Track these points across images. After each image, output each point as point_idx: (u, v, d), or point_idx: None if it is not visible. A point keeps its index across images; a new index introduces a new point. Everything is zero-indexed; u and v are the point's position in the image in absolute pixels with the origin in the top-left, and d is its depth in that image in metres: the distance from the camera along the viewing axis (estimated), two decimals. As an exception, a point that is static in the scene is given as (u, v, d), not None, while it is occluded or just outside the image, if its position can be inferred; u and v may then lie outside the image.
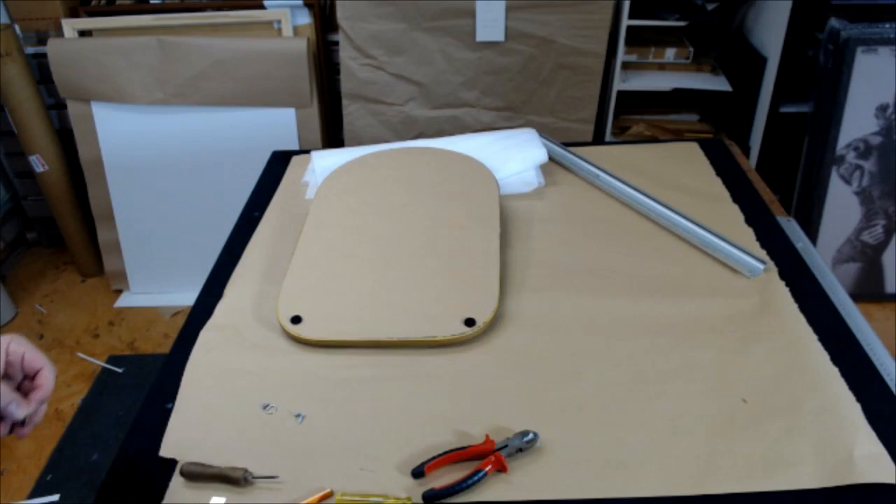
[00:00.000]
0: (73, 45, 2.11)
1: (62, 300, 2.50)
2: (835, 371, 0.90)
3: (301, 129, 2.17)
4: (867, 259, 2.25)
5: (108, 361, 2.19)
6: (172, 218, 2.33)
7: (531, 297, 1.05)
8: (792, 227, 1.24)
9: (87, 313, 2.43)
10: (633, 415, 0.86)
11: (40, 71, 2.28)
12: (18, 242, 2.74)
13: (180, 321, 2.29)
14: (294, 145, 2.18)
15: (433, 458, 0.80)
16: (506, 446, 0.81)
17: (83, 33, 2.18)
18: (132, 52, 2.08)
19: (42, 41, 2.23)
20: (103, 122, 2.20)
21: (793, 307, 1.01)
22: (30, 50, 2.25)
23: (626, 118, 2.32)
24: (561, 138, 1.48)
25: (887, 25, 1.99)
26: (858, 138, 2.10)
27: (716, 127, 2.32)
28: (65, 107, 2.24)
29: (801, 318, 0.99)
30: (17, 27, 2.20)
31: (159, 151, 2.23)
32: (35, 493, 1.80)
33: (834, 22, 2.04)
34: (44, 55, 2.16)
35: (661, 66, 2.25)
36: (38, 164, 2.31)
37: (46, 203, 2.46)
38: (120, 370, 2.15)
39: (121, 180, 2.28)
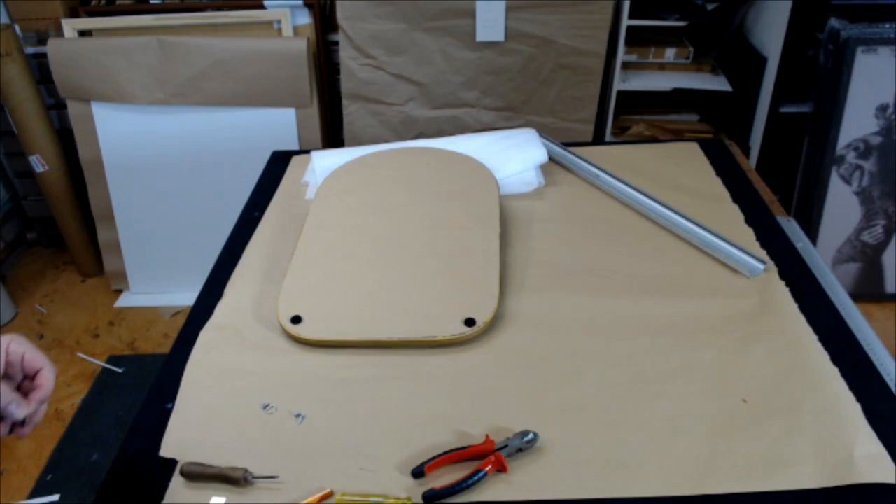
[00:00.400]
0: (73, 45, 2.11)
1: (62, 300, 2.50)
2: (835, 371, 0.90)
3: (301, 129, 2.17)
4: (867, 259, 2.25)
5: (107, 361, 2.19)
6: (172, 218, 2.33)
7: (531, 297, 1.05)
8: (792, 227, 1.24)
9: (87, 313, 2.42)
10: (633, 415, 0.86)
11: (40, 71, 2.28)
12: (18, 242, 2.74)
13: (180, 321, 2.29)
14: (294, 145, 2.18)
15: (433, 458, 0.79)
16: (506, 446, 0.81)
17: (83, 33, 2.18)
18: (132, 52, 2.08)
19: (42, 41, 2.23)
20: (103, 122, 2.20)
21: (793, 307, 1.01)
22: (30, 50, 2.25)
23: (626, 118, 2.32)
24: (561, 138, 1.48)
25: (887, 25, 1.99)
26: (858, 138, 2.10)
27: (716, 127, 2.32)
28: (65, 107, 2.24)
29: (801, 318, 0.99)
30: (16, 27, 2.20)
31: (159, 151, 2.22)
32: (35, 493, 1.80)
33: (834, 22, 2.04)
34: (44, 55, 2.16)
35: (661, 66, 2.25)
36: (38, 164, 2.31)
37: (46, 203, 2.46)
38: (120, 370, 2.15)
39: (121, 180, 2.28)
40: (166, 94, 2.12)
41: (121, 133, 2.21)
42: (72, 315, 2.42)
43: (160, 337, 2.30)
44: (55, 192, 2.39)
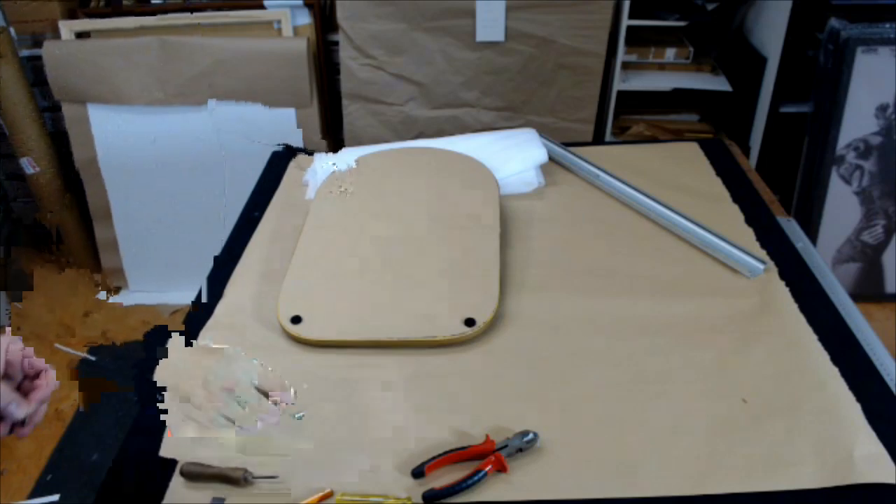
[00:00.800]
0: (69, 46, 2.11)
1: (45, 297, 2.49)
2: (835, 371, 0.90)
3: (301, 129, 2.17)
4: (867, 259, 2.25)
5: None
6: (171, 218, 2.33)
7: (531, 297, 1.05)
8: (792, 227, 1.24)
9: (77, 314, 2.42)
10: (633, 415, 0.86)
11: (34, 73, 2.28)
12: (8, 244, 2.74)
13: (178, 319, 2.29)
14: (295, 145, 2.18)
15: (433, 458, 0.79)
16: (506, 446, 0.81)
17: (80, 35, 2.18)
18: (132, 52, 2.07)
19: (38, 44, 2.22)
20: (100, 124, 2.20)
21: (793, 307, 1.01)
22: (24, 52, 2.25)
23: (626, 118, 2.32)
24: (561, 138, 1.48)
25: (887, 25, 1.99)
26: (858, 138, 2.10)
27: (716, 127, 2.32)
28: (59, 109, 2.24)
29: (801, 318, 0.99)
30: (12, 30, 2.20)
31: (158, 152, 2.22)
32: (35, 493, 1.80)
33: (834, 22, 2.04)
34: (38, 58, 2.16)
35: (661, 66, 2.24)
36: (29, 166, 2.31)
37: (37, 205, 2.46)
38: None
39: (118, 181, 2.28)
40: (167, 94, 2.12)
41: (118, 134, 2.21)
42: (60, 315, 2.41)
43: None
44: (46, 193, 2.39)
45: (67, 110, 2.20)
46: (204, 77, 2.09)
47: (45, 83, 2.18)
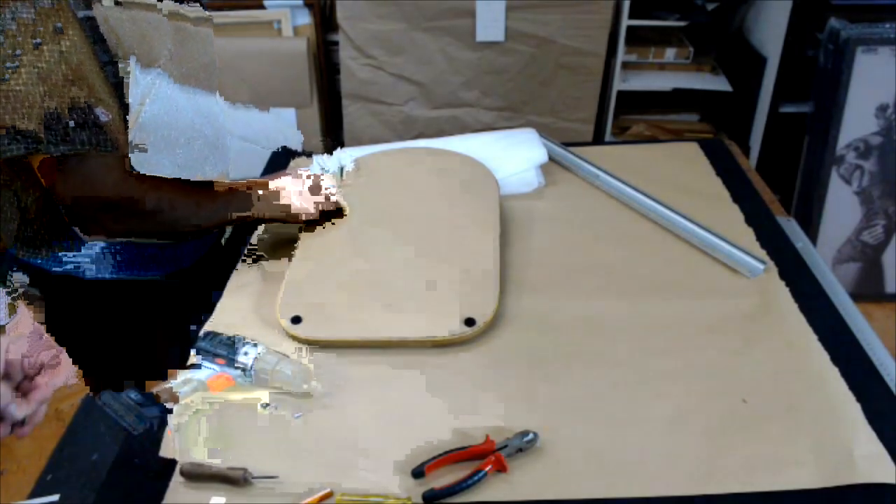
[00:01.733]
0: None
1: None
2: (835, 371, 0.90)
3: (301, 129, 2.17)
4: (867, 259, 2.25)
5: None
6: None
7: (531, 297, 1.05)
8: (792, 227, 1.24)
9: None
10: (633, 415, 0.86)
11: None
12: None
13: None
14: (295, 145, 2.18)
15: (433, 458, 0.79)
16: (506, 446, 0.81)
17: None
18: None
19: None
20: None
21: (793, 307, 1.01)
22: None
23: (626, 118, 2.32)
24: (561, 138, 1.48)
25: (887, 25, 1.99)
26: (858, 138, 2.10)
27: (716, 127, 2.32)
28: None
29: (801, 318, 0.99)
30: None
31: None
32: (35, 493, 1.80)
33: (834, 22, 2.04)
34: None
35: (661, 66, 2.25)
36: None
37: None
38: None
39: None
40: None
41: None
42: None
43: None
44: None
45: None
46: (211, 67, 2.09)
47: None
